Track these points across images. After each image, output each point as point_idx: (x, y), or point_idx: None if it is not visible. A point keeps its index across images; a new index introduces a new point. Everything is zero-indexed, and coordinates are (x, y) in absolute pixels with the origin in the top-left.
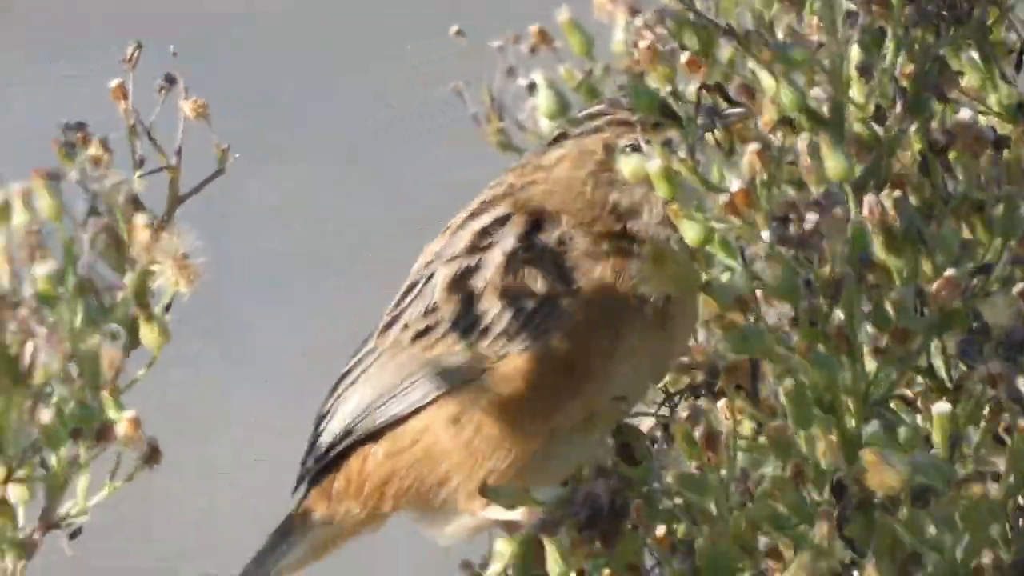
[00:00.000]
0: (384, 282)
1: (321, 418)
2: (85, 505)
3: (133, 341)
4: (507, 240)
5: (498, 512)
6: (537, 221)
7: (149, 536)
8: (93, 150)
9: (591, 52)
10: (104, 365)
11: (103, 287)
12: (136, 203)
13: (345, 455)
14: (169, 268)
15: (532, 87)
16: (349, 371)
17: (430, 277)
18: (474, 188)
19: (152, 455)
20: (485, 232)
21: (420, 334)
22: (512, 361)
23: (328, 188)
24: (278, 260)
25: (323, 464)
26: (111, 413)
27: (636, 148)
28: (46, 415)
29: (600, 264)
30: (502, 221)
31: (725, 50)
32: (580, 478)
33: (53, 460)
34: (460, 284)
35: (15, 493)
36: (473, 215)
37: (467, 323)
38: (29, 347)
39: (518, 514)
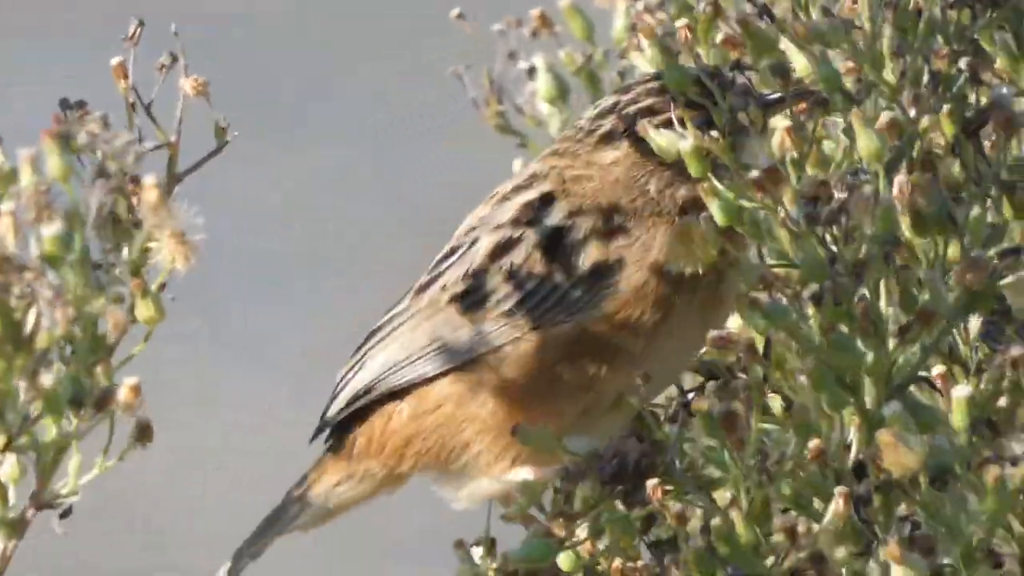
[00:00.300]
0: (384, 282)
1: (345, 373)
2: (76, 484)
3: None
4: (553, 217)
5: (522, 474)
6: (584, 206)
7: (133, 527)
8: (93, 127)
9: (592, 37)
10: (110, 327)
11: (102, 261)
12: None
13: (366, 414)
14: (167, 243)
15: (532, 71)
16: (379, 328)
17: (473, 242)
18: (474, 188)
19: (143, 432)
20: (531, 206)
21: (457, 297)
22: (546, 333)
23: (328, 188)
24: (278, 259)
25: (341, 420)
26: (104, 380)
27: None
28: (47, 380)
29: (651, 247)
30: (549, 199)
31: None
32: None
33: (45, 436)
34: (502, 253)
35: (6, 472)
36: (521, 188)
37: (505, 292)
38: (33, 311)
39: (542, 475)
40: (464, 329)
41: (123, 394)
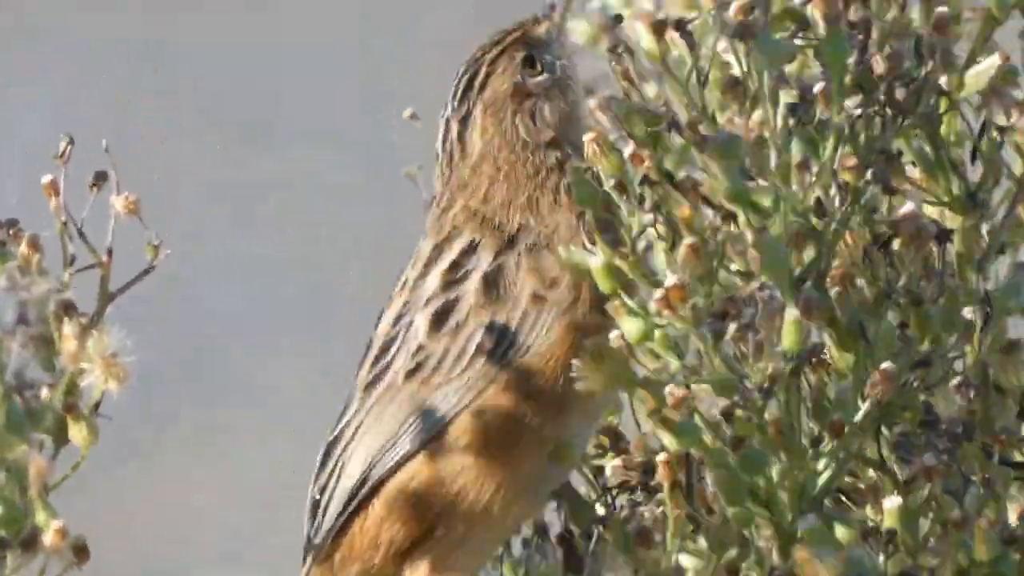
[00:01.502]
0: (378, 288)
1: (324, 486)
2: None
3: (62, 438)
4: (482, 263)
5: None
6: (506, 234)
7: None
8: (23, 247)
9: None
10: (32, 474)
11: (31, 388)
12: (67, 308)
13: (345, 527)
14: (98, 368)
15: None
16: (337, 439)
17: (408, 326)
18: None
19: (79, 554)
20: (455, 266)
21: (411, 372)
22: (505, 380)
23: (321, 193)
24: (271, 264)
25: (330, 536)
26: (40, 517)
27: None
28: None
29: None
30: (470, 250)
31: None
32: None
33: None
34: (442, 320)
35: None
36: (430, 261)
37: (456, 352)
38: None
39: None
40: (429, 399)
41: (50, 538)
